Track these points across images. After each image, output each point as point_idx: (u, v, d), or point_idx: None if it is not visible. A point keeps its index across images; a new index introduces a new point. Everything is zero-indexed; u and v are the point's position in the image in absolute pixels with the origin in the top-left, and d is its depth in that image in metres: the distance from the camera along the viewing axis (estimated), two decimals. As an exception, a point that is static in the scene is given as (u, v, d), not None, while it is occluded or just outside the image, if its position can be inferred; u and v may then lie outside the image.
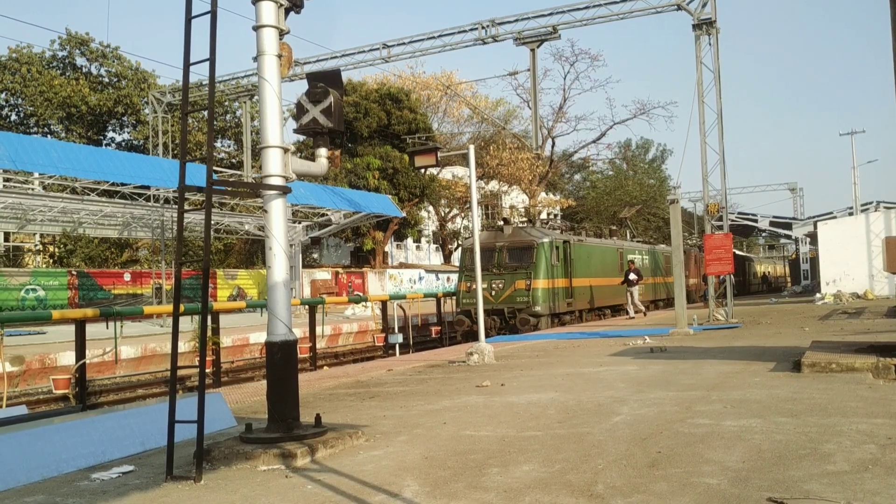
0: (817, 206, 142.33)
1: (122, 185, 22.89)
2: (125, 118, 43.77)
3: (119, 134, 45.26)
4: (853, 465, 4.85)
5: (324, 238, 42.64)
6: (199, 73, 30.47)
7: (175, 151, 32.33)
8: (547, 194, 56.41)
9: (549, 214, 54.44)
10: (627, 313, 24.76)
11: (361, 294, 34.46)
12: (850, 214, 36.04)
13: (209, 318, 13.61)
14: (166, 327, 22.24)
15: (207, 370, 13.07)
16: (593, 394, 8.35)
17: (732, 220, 36.00)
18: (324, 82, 6.65)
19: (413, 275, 44.83)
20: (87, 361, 13.62)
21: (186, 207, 5.88)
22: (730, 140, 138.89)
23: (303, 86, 6.85)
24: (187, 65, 5.79)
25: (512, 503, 4.40)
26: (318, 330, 19.36)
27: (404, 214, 37.58)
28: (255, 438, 5.90)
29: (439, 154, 12.74)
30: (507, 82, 68.47)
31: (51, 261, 33.45)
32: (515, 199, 54.89)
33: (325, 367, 16.77)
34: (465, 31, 24.28)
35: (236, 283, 33.97)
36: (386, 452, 5.88)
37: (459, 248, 44.26)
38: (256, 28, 6.32)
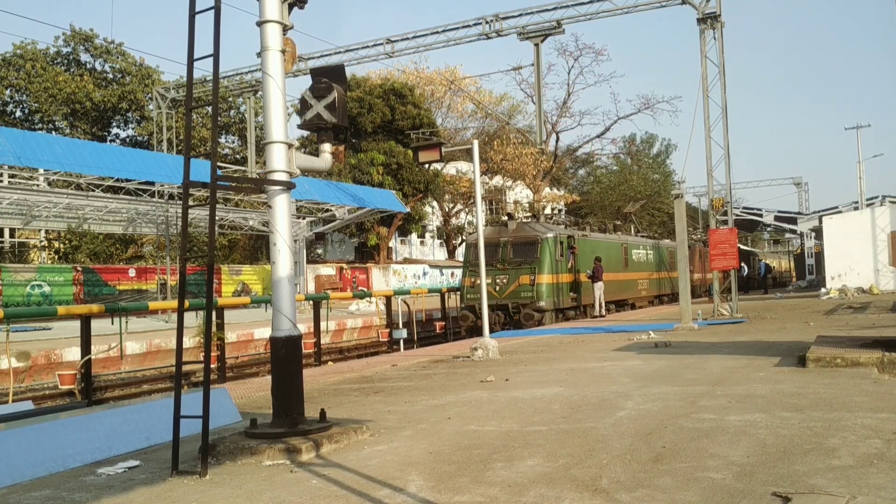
0: (822, 201, 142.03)
1: (127, 181, 22.92)
2: (129, 114, 43.82)
3: (123, 130, 45.34)
4: (858, 460, 4.84)
5: (328, 233, 42.68)
6: (202, 69, 30.34)
7: (179, 147, 32.37)
8: (551, 189, 56.31)
9: (553, 210, 54.37)
10: (595, 314, 23.35)
11: (365, 289, 34.47)
12: (856, 209, 35.87)
13: (214, 313, 13.64)
14: (171, 323, 22.29)
15: (212, 366, 13.09)
16: (597, 389, 8.35)
17: (737, 215, 35.97)
18: (328, 78, 6.65)
19: (417, 270, 44.86)
20: (93, 357, 13.65)
21: (191, 203, 5.89)
22: (734, 135, 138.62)
23: (306, 81, 6.85)
24: (191, 60, 5.79)
25: (516, 498, 4.41)
26: (323, 325, 19.36)
27: (408, 210, 37.57)
28: (260, 433, 5.91)
29: (443, 149, 12.72)
30: (511, 77, 68.21)
31: (56, 257, 33.55)
32: (519, 194, 54.84)
33: (330, 363, 16.76)
34: (469, 26, 24.25)
35: (241, 279, 34.01)
36: (390, 447, 5.89)
37: (464, 244, 44.25)
38: (260, 24, 6.32)
